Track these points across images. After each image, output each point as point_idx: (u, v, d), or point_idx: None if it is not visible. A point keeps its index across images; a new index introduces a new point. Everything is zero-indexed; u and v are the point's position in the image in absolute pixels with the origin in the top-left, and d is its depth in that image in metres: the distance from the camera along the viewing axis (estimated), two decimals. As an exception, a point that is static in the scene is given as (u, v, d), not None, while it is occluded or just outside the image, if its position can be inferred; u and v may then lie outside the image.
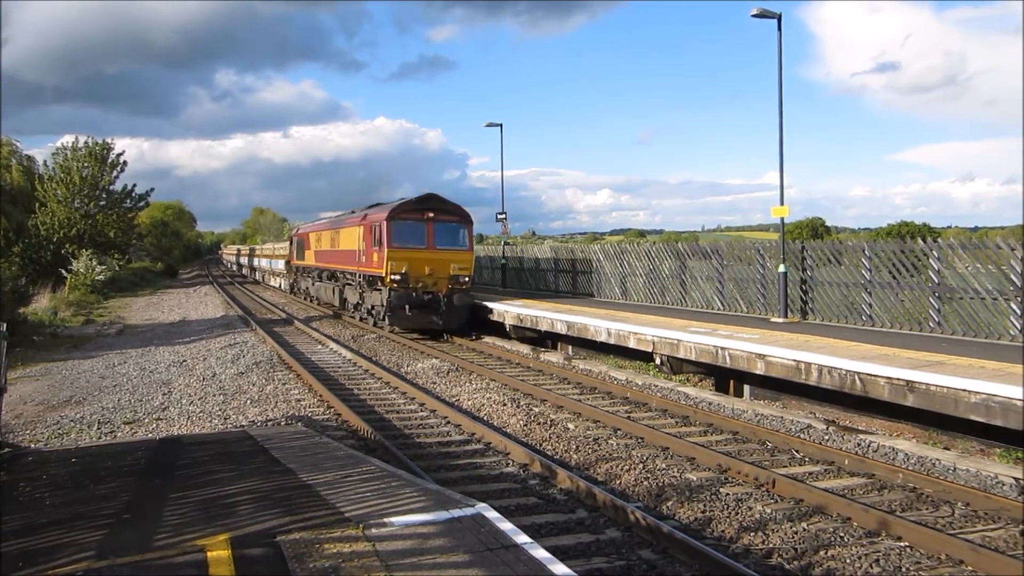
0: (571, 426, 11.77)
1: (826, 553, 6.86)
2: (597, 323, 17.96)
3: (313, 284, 35.92)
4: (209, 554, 5.35)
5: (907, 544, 6.99)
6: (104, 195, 52.61)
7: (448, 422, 12.32)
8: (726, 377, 15.02)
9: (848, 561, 6.68)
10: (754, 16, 18.49)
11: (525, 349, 20.48)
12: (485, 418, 12.52)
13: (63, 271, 43.15)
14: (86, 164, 50.80)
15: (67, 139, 52.64)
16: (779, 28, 18.55)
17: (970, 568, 6.51)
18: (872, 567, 6.55)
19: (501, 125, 34.79)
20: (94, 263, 44.60)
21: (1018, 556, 6.66)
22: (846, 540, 7.16)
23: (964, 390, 9.65)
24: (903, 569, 6.53)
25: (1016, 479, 8.83)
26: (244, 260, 77.81)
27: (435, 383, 15.78)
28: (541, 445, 10.84)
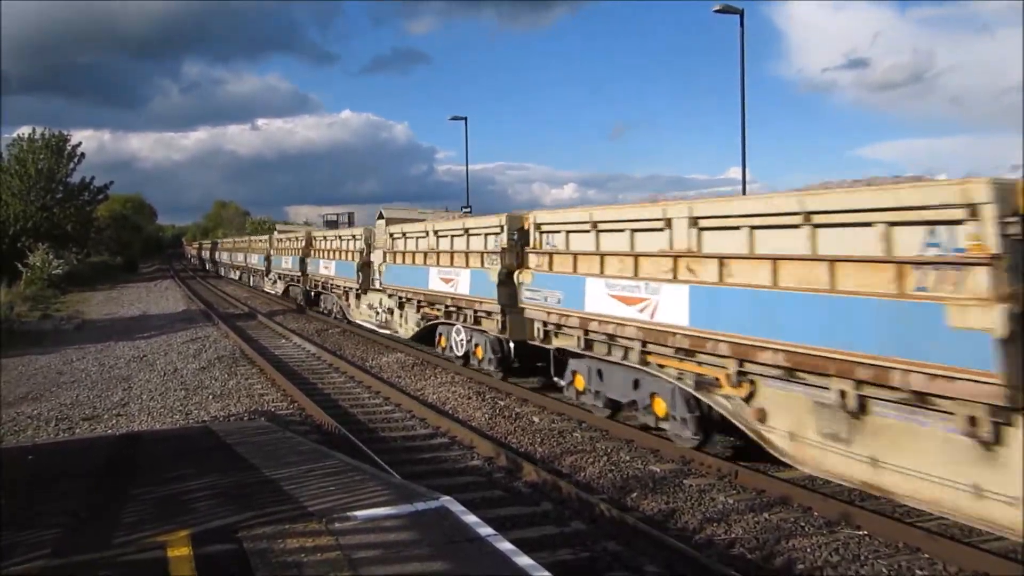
0: (536, 419, 11.79)
1: (787, 543, 6.96)
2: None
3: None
4: (169, 551, 5.28)
5: (866, 533, 7.11)
6: (61, 188, 51.64)
7: (413, 416, 12.28)
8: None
9: (809, 550, 6.78)
10: (717, 12, 18.76)
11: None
12: (450, 411, 12.50)
13: (19, 265, 42.21)
14: (42, 156, 49.79)
15: (23, 130, 51.33)
16: (741, 24, 18.84)
17: (926, 555, 6.64)
18: (832, 556, 6.66)
19: (466, 119, 34.90)
20: (51, 257, 43.71)
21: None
22: (807, 530, 7.26)
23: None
24: (862, 557, 6.64)
25: None
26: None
27: (400, 377, 15.71)
28: (506, 438, 10.85)
